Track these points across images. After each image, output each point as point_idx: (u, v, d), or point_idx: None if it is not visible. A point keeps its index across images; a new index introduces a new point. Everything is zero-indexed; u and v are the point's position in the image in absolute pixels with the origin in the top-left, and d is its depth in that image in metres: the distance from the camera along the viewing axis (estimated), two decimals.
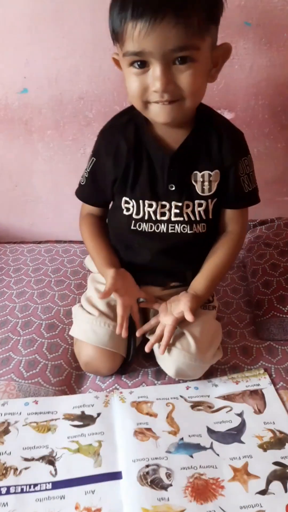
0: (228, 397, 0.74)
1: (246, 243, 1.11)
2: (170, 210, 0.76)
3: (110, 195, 0.81)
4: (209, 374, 0.78)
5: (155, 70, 0.62)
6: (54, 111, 1.07)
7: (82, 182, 0.83)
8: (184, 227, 0.77)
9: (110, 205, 0.85)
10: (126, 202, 0.77)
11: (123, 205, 0.78)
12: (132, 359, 0.79)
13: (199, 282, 0.78)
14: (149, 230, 0.77)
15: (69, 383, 0.79)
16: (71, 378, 0.80)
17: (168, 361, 0.75)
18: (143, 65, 0.63)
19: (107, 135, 0.78)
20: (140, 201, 0.76)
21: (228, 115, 1.04)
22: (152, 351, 0.77)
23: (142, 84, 0.64)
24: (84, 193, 0.84)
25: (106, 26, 0.66)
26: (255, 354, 0.83)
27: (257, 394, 0.74)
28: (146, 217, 0.77)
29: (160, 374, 0.80)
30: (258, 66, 0.99)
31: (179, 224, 0.77)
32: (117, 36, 0.64)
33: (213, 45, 0.66)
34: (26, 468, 0.64)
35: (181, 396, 0.75)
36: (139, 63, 0.63)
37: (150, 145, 0.74)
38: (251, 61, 0.99)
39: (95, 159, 0.80)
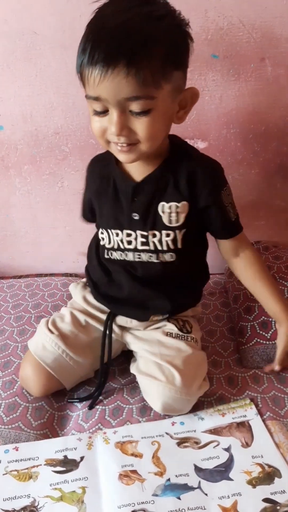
0: (214, 431, 0.73)
1: (227, 268, 1.11)
2: (136, 239, 0.77)
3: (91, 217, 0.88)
4: (195, 407, 0.77)
5: (112, 115, 0.64)
6: (30, 146, 1.08)
7: (82, 207, 0.89)
8: (150, 256, 0.77)
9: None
10: (101, 232, 0.81)
11: (100, 236, 0.81)
12: (99, 394, 0.80)
13: (272, 306, 0.81)
14: (119, 258, 0.79)
15: (51, 426, 0.77)
16: (53, 420, 0.78)
17: (153, 396, 0.74)
18: (102, 112, 0.65)
19: (88, 169, 0.85)
20: (109, 230, 0.79)
21: (201, 144, 1.06)
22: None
23: (102, 125, 0.66)
24: (85, 215, 0.90)
25: None
26: (240, 384, 0.82)
27: (244, 426, 0.73)
28: (115, 246, 0.79)
29: (145, 411, 0.78)
30: (228, 96, 1.01)
31: (145, 253, 0.77)
32: (80, 76, 0.66)
33: (178, 89, 0.67)
34: None
35: (166, 433, 0.73)
36: (98, 108, 0.65)
37: (117, 176, 0.77)
38: (221, 92, 1.01)
39: (84, 189, 0.87)
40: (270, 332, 0.88)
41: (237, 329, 0.93)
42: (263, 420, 0.74)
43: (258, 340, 0.87)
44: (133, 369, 0.81)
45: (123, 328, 0.85)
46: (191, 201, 0.75)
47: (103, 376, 0.81)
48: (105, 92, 0.61)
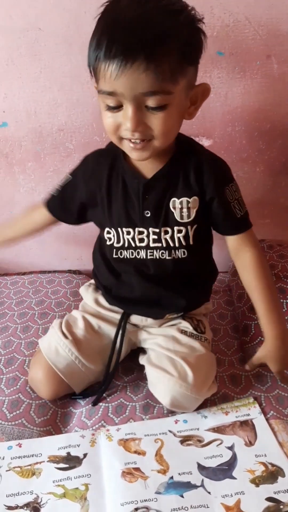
0: (218, 429, 0.73)
1: (231, 267, 1.11)
2: (148, 236, 0.76)
3: (73, 218, 0.83)
4: (199, 405, 0.76)
5: (127, 110, 0.63)
6: (34, 143, 1.07)
7: (54, 193, 0.84)
8: (162, 253, 0.76)
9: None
10: (108, 232, 0.79)
11: (106, 236, 0.79)
12: (105, 389, 0.79)
13: (265, 320, 0.75)
14: (130, 257, 0.78)
15: (54, 423, 0.77)
16: (56, 417, 0.78)
17: (163, 390, 0.73)
18: (116, 107, 0.64)
19: (87, 162, 0.80)
20: (119, 229, 0.77)
21: (206, 142, 1.05)
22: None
23: (115, 121, 0.65)
24: (53, 203, 0.84)
25: (83, 59, 0.67)
26: (244, 383, 0.81)
27: (247, 425, 0.73)
28: (126, 245, 0.77)
29: (148, 408, 0.78)
30: (233, 94, 1.01)
31: (158, 250, 0.76)
32: (92, 72, 0.65)
33: (191, 85, 0.67)
34: None
35: (169, 431, 0.73)
36: (112, 103, 0.64)
37: (126, 173, 0.75)
38: (226, 89, 1.01)
39: (71, 177, 0.81)
40: None
41: (241, 328, 0.93)
42: (267, 419, 0.74)
43: (262, 339, 0.86)
44: (143, 360, 0.80)
45: (136, 327, 0.84)
46: (200, 196, 0.74)
47: (109, 375, 0.80)
48: (121, 87, 0.60)
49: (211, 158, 0.77)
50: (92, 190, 0.78)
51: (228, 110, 1.03)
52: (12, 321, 0.99)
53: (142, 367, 0.84)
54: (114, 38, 0.58)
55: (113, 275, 0.82)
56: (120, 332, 0.82)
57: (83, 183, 0.79)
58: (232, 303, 1.03)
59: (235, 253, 0.80)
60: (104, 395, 0.80)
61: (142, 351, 0.84)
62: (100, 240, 0.84)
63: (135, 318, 0.83)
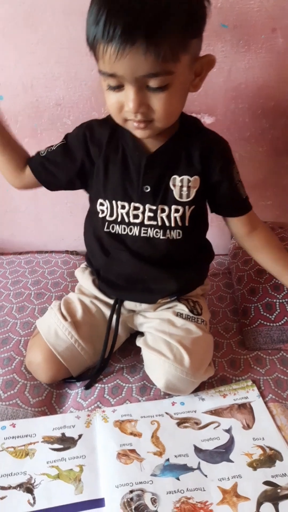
0: (215, 412, 0.71)
1: (231, 249, 1.09)
2: (143, 213, 0.73)
3: (58, 183, 0.79)
4: (196, 387, 0.75)
5: (128, 92, 0.61)
6: (31, 118, 1.04)
7: (42, 153, 0.79)
8: (157, 231, 0.74)
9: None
10: (101, 204, 0.75)
11: (98, 207, 0.76)
12: (98, 375, 0.78)
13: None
14: (122, 232, 0.75)
15: (50, 403, 0.76)
16: (51, 398, 0.77)
17: (158, 372, 0.72)
18: (118, 87, 0.61)
19: (84, 128, 0.76)
20: (113, 202, 0.74)
21: (208, 120, 1.02)
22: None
23: (119, 101, 0.63)
24: (36, 161, 0.79)
25: (81, 30, 0.63)
26: (243, 366, 0.80)
27: (245, 408, 0.71)
28: (119, 219, 0.74)
29: (145, 390, 0.76)
30: (237, 69, 0.97)
31: (152, 228, 0.74)
32: (91, 50, 0.62)
33: (195, 58, 0.64)
34: (2, 498, 0.60)
35: (166, 413, 0.71)
36: (113, 83, 0.61)
37: (127, 145, 0.72)
38: (230, 64, 0.97)
39: (65, 141, 0.77)
40: (275, 314, 0.86)
41: (240, 311, 0.91)
42: (265, 402, 0.72)
43: (262, 321, 0.86)
44: (139, 342, 0.79)
45: (132, 312, 0.83)
46: (203, 176, 0.73)
47: (104, 361, 0.79)
48: (121, 69, 0.58)
49: (218, 139, 0.75)
50: (90, 155, 0.75)
51: (232, 86, 0.99)
52: (8, 300, 0.97)
53: (139, 349, 0.82)
54: (112, 18, 0.55)
55: (103, 253, 0.79)
56: (115, 317, 0.80)
57: (80, 148, 0.75)
58: (232, 285, 1.01)
59: (245, 234, 0.79)
60: (100, 376, 0.79)
61: (140, 333, 0.83)
62: (92, 215, 0.80)
63: (129, 304, 0.82)
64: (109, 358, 0.80)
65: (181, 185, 0.72)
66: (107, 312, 0.81)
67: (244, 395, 0.74)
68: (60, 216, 1.17)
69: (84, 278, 0.86)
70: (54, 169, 0.78)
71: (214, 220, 0.84)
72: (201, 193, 0.73)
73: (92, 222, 0.80)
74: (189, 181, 0.72)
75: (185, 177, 0.72)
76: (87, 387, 0.77)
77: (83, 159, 0.75)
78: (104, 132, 0.74)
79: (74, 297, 0.83)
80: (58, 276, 1.05)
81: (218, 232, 0.93)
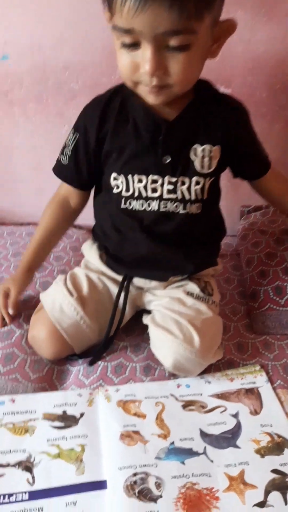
0: (222, 396, 0.69)
1: (240, 230, 1.05)
2: (162, 186, 0.69)
3: (93, 173, 0.75)
4: (202, 370, 0.73)
5: (145, 51, 0.56)
6: (36, 81, 0.98)
7: (64, 161, 0.75)
8: (177, 205, 0.70)
9: (94, 194, 0.80)
10: (115, 178, 0.71)
11: (112, 182, 0.71)
12: (102, 353, 0.75)
13: None
14: (140, 209, 0.71)
15: (50, 379, 0.73)
16: (52, 374, 0.74)
17: (166, 351, 0.69)
18: (133, 45, 0.56)
19: (90, 109, 0.73)
20: (129, 176, 0.70)
21: (223, 91, 0.97)
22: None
23: (132, 61, 0.58)
24: (66, 172, 0.77)
25: None
26: (250, 350, 0.78)
27: (252, 394, 0.69)
28: (136, 194, 0.70)
29: (149, 370, 0.74)
30: (257, 40, 0.92)
31: (172, 202, 0.70)
32: (106, 2, 0.57)
33: (216, 20, 0.59)
34: (0, 476, 0.58)
35: (171, 395, 0.69)
36: (128, 41, 0.56)
37: (139, 113, 0.68)
38: (250, 34, 0.91)
39: (78, 134, 0.73)
40: (285, 298, 0.83)
41: (248, 294, 0.88)
42: (274, 388, 0.70)
43: (271, 305, 0.83)
44: (146, 319, 0.76)
45: (141, 289, 0.79)
46: (224, 145, 0.69)
47: (109, 339, 0.76)
48: (140, 25, 0.53)
49: (236, 104, 0.73)
50: (102, 134, 0.71)
51: (251, 57, 0.94)
52: (8, 272, 0.93)
53: (144, 328, 0.79)
54: None
55: (116, 232, 0.76)
56: (123, 294, 0.77)
57: (91, 130, 0.71)
58: (240, 268, 0.98)
59: (271, 190, 0.80)
60: (104, 353, 0.76)
61: (147, 311, 0.80)
62: (104, 191, 0.76)
63: (138, 281, 0.78)
64: (114, 336, 0.77)
65: (203, 155, 0.68)
66: (114, 289, 0.78)
67: (252, 380, 0.71)
68: None
69: (91, 253, 0.82)
70: (82, 166, 0.74)
71: (222, 199, 0.80)
72: (222, 163, 0.70)
73: (105, 199, 0.76)
74: (210, 151, 0.68)
75: (207, 147, 0.68)
76: (91, 363, 0.74)
77: (97, 141, 0.71)
78: (111, 106, 0.70)
79: (81, 272, 0.79)
80: (60, 250, 1.01)
81: (226, 212, 0.89)
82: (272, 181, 0.79)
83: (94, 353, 0.76)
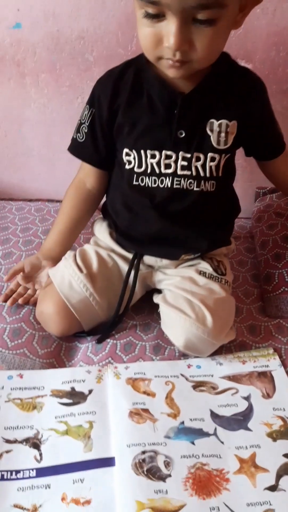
0: (233, 378, 0.68)
1: (255, 212, 1.02)
2: (176, 161, 0.67)
3: (110, 149, 0.72)
4: (214, 351, 0.71)
5: (170, 25, 0.53)
6: (50, 51, 0.95)
7: (81, 138, 0.73)
8: (190, 182, 0.68)
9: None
10: (127, 154, 0.69)
11: (125, 158, 0.69)
12: (111, 331, 0.74)
13: None
14: (153, 185, 0.69)
15: (58, 355, 0.72)
16: (60, 350, 0.73)
17: (178, 330, 0.67)
18: (157, 16, 0.53)
19: (103, 82, 0.71)
20: (142, 151, 0.67)
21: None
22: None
23: (156, 34, 0.55)
24: (84, 150, 0.74)
25: None
26: (263, 333, 0.76)
27: (265, 377, 0.68)
28: (149, 170, 0.68)
29: (159, 349, 0.72)
30: (283, 11, 0.88)
31: (186, 179, 0.68)
32: None
33: None
34: (7, 452, 0.57)
35: (182, 375, 0.68)
36: (152, 10, 0.53)
37: (154, 86, 0.65)
38: (275, 5, 0.87)
39: (93, 109, 0.70)
40: None
41: (262, 276, 0.86)
42: (287, 372, 0.68)
43: (286, 289, 0.81)
44: (157, 299, 0.74)
45: (151, 268, 0.77)
46: (242, 120, 0.66)
47: (118, 317, 0.74)
48: None
49: (254, 78, 0.70)
50: (115, 106, 0.68)
51: (274, 31, 0.90)
52: (17, 247, 0.92)
53: (153, 308, 0.78)
54: None
55: (127, 210, 0.73)
56: (133, 272, 0.75)
57: (105, 103, 0.69)
58: (253, 250, 0.96)
59: (281, 173, 0.77)
60: (113, 331, 0.75)
61: (157, 290, 0.78)
62: (116, 167, 0.74)
63: (148, 259, 0.76)
64: (124, 314, 0.75)
65: (219, 131, 0.66)
66: (124, 266, 0.76)
67: (265, 363, 0.70)
68: (75, 163, 1.09)
69: (101, 231, 0.80)
70: (100, 142, 0.72)
71: (236, 180, 0.78)
72: (238, 140, 0.68)
73: (117, 176, 0.74)
74: (227, 126, 0.66)
75: (224, 122, 0.66)
76: (99, 341, 0.73)
77: (111, 114, 0.69)
78: (126, 79, 0.67)
79: (91, 248, 0.77)
80: None
81: (240, 193, 0.86)
82: (284, 165, 0.77)
83: (102, 330, 0.74)
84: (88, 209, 0.80)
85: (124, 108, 0.67)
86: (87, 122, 0.71)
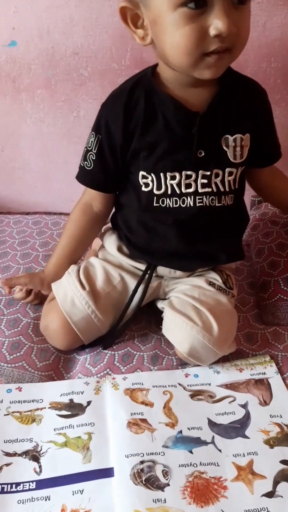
0: (231, 386, 0.68)
1: (251, 220, 1.03)
2: (196, 180, 0.66)
3: (120, 174, 0.71)
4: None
5: (217, 10, 0.52)
6: (45, 67, 0.97)
7: (88, 166, 0.71)
8: (212, 199, 0.68)
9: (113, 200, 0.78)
10: (144, 177, 0.67)
11: (141, 181, 0.68)
12: (115, 338, 0.75)
13: None
14: (174, 206, 0.68)
15: (57, 368, 0.73)
16: (59, 362, 0.73)
17: (183, 336, 0.67)
18: (200, 4, 0.52)
19: (110, 107, 0.67)
20: (161, 174, 0.66)
21: None
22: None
23: (199, 28, 0.53)
24: (92, 177, 0.72)
25: None
26: (260, 341, 0.76)
27: (262, 384, 0.68)
28: (169, 192, 0.67)
29: (157, 359, 0.73)
30: (273, 24, 0.90)
31: (207, 196, 0.68)
32: None
33: None
34: (7, 465, 0.57)
35: (179, 384, 0.68)
36: (194, 6, 0.52)
37: (169, 107, 0.64)
38: (265, 18, 0.89)
39: (100, 136, 0.68)
40: None
41: (258, 284, 0.87)
42: (283, 379, 0.69)
43: (282, 296, 0.81)
44: (163, 304, 0.74)
45: (160, 278, 0.77)
46: (252, 132, 0.67)
47: (118, 331, 0.75)
48: None
49: (258, 88, 0.71)
50: (127, 130, 0.66)
51: (265, 42, 0.92)
52: (15, 261, 0.93)
53: (151, 318, 0.79)
54: None
55: (144, 228, 0.72)
56: (143, 286, 0.74)
57: (116, 128, 0.66)
58: (249, 258, 0.97)
59: (272, 180, 0.78)
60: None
61: (161, 298, 0.78)
62: (128, 188, 0.72)
63: (162, 270, 0.76)
64: (126, 327, 0.75)
65: (235, 145, 0.66)
66: (132, 282, 0.75)
67: (262, 371, 0.70)
68: (72, 176, 1.11)
69: (110, 244, 0.79)
70: (109, 168, 0.70)
71: None
72: (251, 151, 0.68)
73: (129, 196, 0.72)
74: (242, 139, 0.66)
75: (238, 136, 0.66)
76: (105, 347, 0.74)
77: (123, 139, 0.66)
78: (136, 100, 0.64)
79: (97, 263, 0.76)
80: None
81: None
82: (275, 176, 0.79)
83: (100, 342, 0.75)
84: (95, 230, 0.79)
85: (140, 133, 0.65)
86: (94, 150, 0.69)
